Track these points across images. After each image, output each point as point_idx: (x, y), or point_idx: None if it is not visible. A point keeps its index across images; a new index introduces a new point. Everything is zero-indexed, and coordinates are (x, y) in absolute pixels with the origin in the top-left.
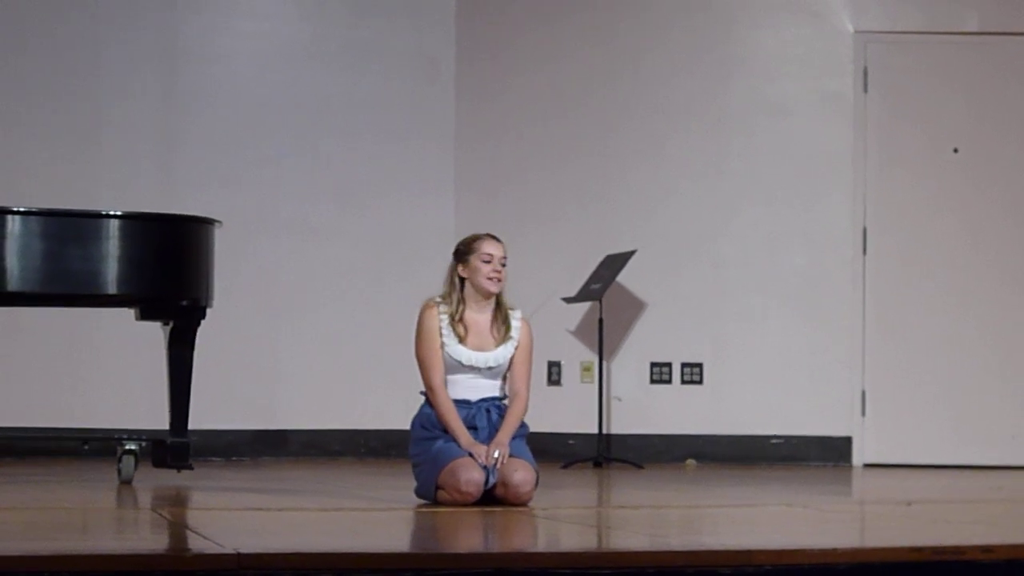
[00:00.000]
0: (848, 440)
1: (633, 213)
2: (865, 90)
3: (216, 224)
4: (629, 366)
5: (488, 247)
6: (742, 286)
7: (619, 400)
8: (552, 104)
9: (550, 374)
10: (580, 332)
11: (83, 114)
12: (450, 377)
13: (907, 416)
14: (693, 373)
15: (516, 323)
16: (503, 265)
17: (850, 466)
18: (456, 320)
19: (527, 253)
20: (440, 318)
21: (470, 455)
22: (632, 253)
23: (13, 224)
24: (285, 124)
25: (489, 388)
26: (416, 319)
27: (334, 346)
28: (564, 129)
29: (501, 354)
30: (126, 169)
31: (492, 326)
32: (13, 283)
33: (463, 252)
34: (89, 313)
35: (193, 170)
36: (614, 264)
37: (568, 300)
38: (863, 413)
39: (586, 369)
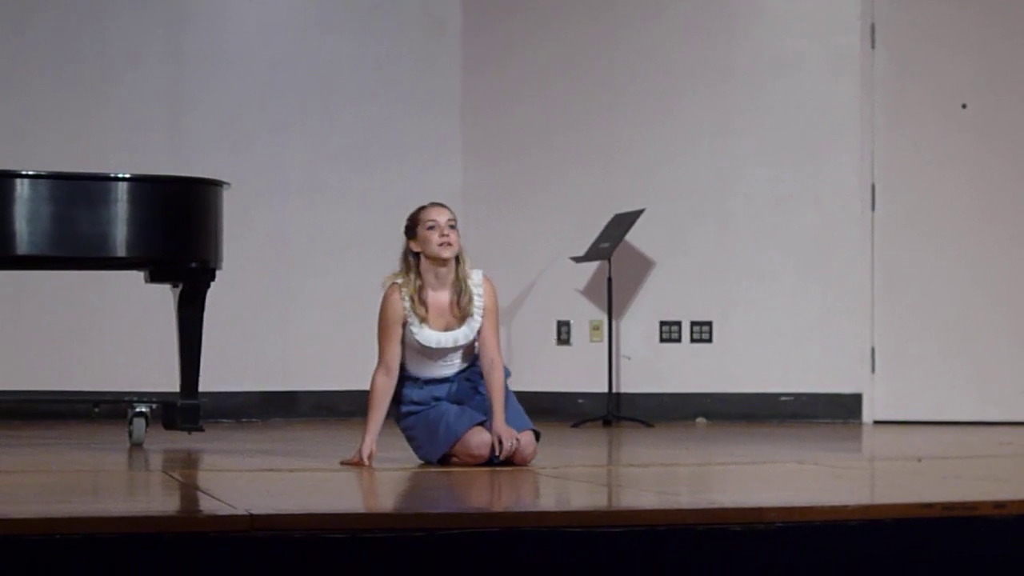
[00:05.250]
0: (858, 397)
1: (642, 173)
2: (872, 46)
3: (224, 186)
4: (638, 325)
5: (431, 214)
6: (751, 244)
7: (628, 359)
8: (559, 66)
9: (559, 333)
10: (589, 291)
11: (92, 78)
12: (424, 361)
13: (917, 372)
14: (702, 331)
15: (478, 288)
16: (452, 227)
17: (860, 423)
18: (417, 302)
19: (536, 213)
20: (404, 303)
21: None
22: (640, 212)
23: (21, 187)
24: (293, 87)
25: (464, 359)
26: (381, 298)
27: (343, 307)
28: (571, 90)
29: (470, 329)
30: (135, 133)
31: (453, 301)
32: (22, 247)
33: (411, 226)
34: (99, 276)
35: (202, 134)
36: (623, 223)
37: (577, 259)
38: (873, 370)
39: (595, 328)
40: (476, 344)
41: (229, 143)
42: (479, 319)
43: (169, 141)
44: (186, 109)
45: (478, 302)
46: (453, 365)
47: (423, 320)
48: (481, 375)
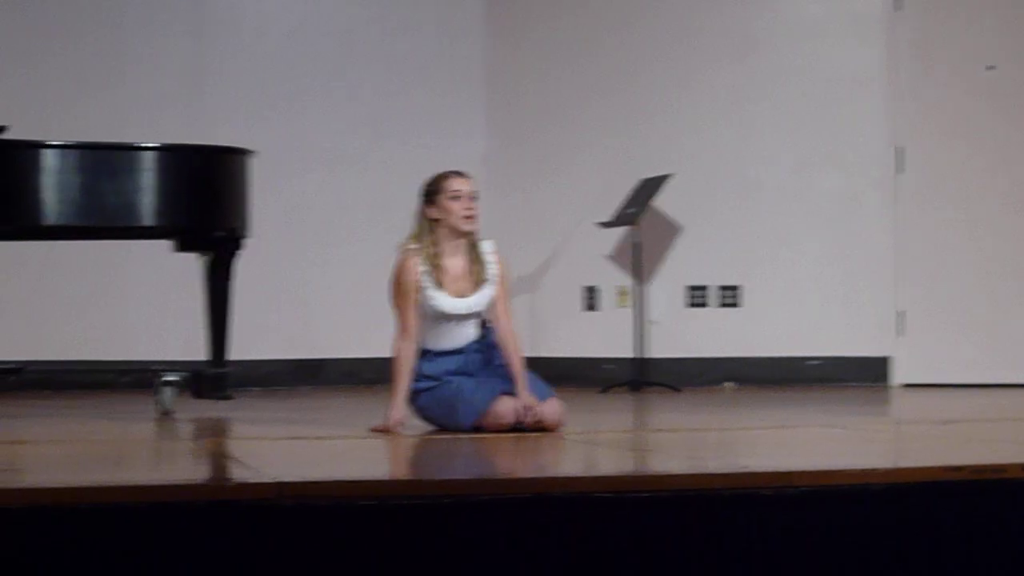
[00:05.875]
0: (885, 360)
1: (667, 138)
2: (896, 8)
3: (250, 154)
4: (665, 290)
5: (454, 183)
6: (778, 208)
7: (656, 324)
8: (583, 32)
9: (586, 299)
10: (616, 257)
11: (110, 49)
12: (439, 330)
13: (944, 335)
14: (730, 296)
15: (491, 257)
16: (474, 199)
17: (888, 386)
18: (434, 266)
19: (561, 179)
20: (419, 268)
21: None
22: (667, 177)
23: (48, 158)
24: (314, 55)
25: (474, 329)
26: (395, 264)
27: (367, 275)
28: (595, 57)
29: (483, 297)
30: (154, 103)
31: (467, 269)
32: (50, 217)
33: (431, 192)
34: (126, 245)
35: (222, 102)
36: (649, 188)
37: (604, 225)
38: (900, 333)
39: (622, 293)
40: (486, 314)
41: (249, 112)
42: (493, 286)
43: (188, 111)
44: (205, 78)
45: (492, 269)
46: (468, 335)
47: (440, 286)
48: (493, 346)
